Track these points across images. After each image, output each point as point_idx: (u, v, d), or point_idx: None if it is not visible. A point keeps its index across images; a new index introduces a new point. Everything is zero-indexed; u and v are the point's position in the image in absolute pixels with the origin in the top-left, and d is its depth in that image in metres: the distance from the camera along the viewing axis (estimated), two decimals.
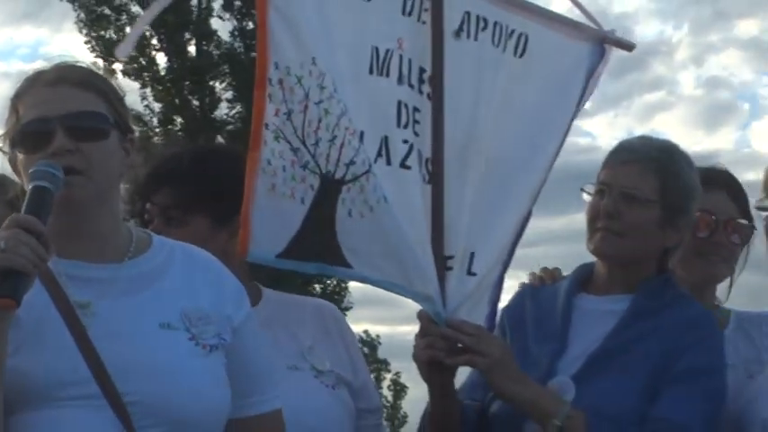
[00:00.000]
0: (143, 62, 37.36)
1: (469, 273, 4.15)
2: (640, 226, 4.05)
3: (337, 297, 35.46)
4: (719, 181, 4.39)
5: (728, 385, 4.08)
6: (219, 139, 32.88)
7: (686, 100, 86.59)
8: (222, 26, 37.29)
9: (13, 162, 3.22)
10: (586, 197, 4.14)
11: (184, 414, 3.12)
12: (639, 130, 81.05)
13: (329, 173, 3.85)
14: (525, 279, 4.51)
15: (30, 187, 3.02)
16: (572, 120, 4.51)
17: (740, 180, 4.55)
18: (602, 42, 4.54)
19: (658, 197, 4.05)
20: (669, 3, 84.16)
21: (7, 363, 2.92)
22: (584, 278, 4.24)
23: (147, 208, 3.93)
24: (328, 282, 31.98)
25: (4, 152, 3.25)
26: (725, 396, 4.01)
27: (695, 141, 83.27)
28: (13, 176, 3.48)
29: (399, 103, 4.05)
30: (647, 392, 3.92)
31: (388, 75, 4.05)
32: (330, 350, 4.05)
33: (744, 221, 4.37)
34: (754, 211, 4.36)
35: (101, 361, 3.02)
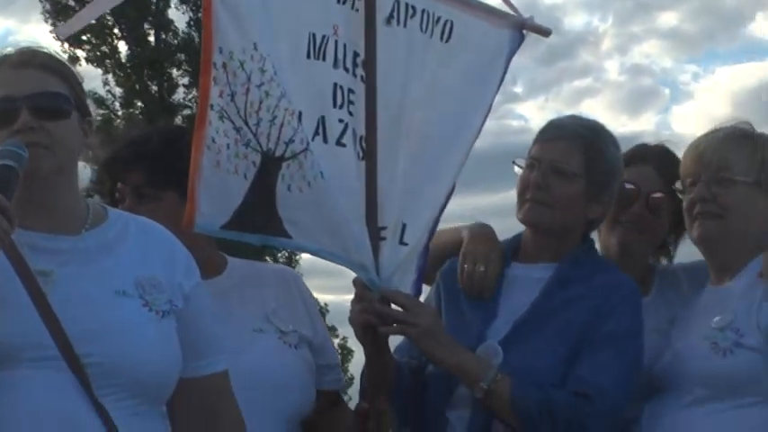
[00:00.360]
0: (106, 50, 37.55)
1: (401, 242, 4.19)
2: (567, 198, 4.11)
3: (290, 262, 35.57)
4: (649, 156, 4.43)
5: (652, 347, 4.14)
6: (177, 121, 32.81)
7: (611, 86, 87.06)
8: (179, 17, 37.60)
9: None
10: (518, 170, 4.18)
11: (138, 374, 3.13)
12: (565, 113, 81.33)
13: (270, 151, 3.88)
14: None
15: None
16: (493, 100, 4.51)
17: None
18: (521, 28, 4.56)
19: (584, 172, 4.11)
20: None
21: None
22: (513, 248, 4.28)
23: (118, 187, 3.93)
24: (279, 254, 31.87)
25: None
26: (642, 359, 4.05)
27: (620, 124, 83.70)
28: None
29: (335, 85, 4.08)
30: (571, 356, 3.97)
31: (324, 59, 4.08)
32: (292, 312, 4.06)
33: (661, 195, 4.37)
34: None
35: (60, 326, 3.04)
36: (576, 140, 4.12)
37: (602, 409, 3.91)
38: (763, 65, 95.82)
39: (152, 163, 3.99)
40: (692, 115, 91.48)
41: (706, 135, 4.15)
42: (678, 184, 4.20)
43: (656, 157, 4.43)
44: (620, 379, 3.95)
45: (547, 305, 4.06)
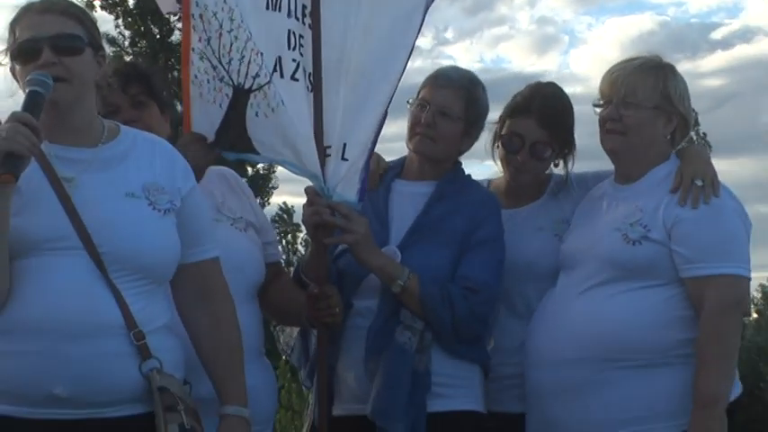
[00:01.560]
0: (114, 1, 36.98)
1: (343, 158, 4.16)
2: (449, 135, 4.17)
3: (267, 178, 35.32)
4: (533, 109, 4.28)
5: (533, 246, 4.25)
6: (174, 59, 32.49)
7: (522, 33, 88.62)
8: None
9: (12, 71, 3.26)
10: (409, 106, 4.25)
11: (144, 260, 3.18)
12: (489, 55, 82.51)
13: (240, 84, 3.95)
14: None
15: (26, 91, 3.09)
16: (414, 42, 4.36)
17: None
18: None
19: (463, 115, 4.17)
20: None
21: (11, 222, 3.00)
22: (398, 167, 4.34)
23: (114, 99, 3.83)
24: (259, 166, 31.48)
25: (3, 64, 3.27)
26: (505, 257, 4.11)
27: (529, 64, 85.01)
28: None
29: (289, 31, 4.09)
30: (455, 258, 4.05)
31: (279, 10, 4.07)
32: (236, 202, 4.06)
33: (545, 143, 4.27)
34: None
35: (81, 221, 3.09)
36: (459, 90, 4.16)
37: (488, 298, 4.03)
38: (643, 17, 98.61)
39: (144, 78, 4.02)
40: (586, 57, 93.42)
41: (621, 63, 4.12)
42: (595, 101, 4.12)
43: (537, 110, 4.26)
44: (496, 273, 4.07)
45: (431, 216, 4.12)
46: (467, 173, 4.38)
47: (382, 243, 4.09)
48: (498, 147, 4.35)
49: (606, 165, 4.29)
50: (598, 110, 4.11)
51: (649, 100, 4.01)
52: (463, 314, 3.94)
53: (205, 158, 3.92)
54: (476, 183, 4.33)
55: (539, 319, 4.07)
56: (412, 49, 4.38)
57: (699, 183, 3.91)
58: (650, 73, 4.06)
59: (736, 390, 3.96)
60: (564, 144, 4.32)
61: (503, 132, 4.32)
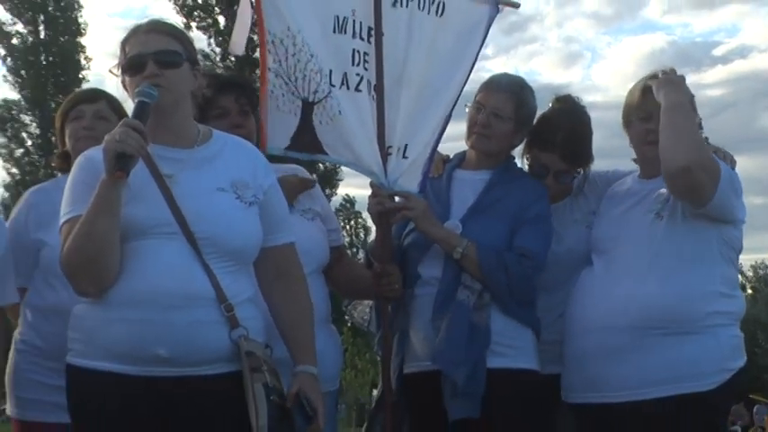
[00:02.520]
0: (210, 22, 37.39)
1: (404, 156, 4.17)
2: (501, 134, 4.15)
3: (334, 172, 35.58)
4: (556, 145, 4.19)
5: (570, 235, 4.21)
6: (257, 72, 32.74)
7: (551, 50, 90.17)
8: None
9: (123, 82, 3.29)
10: (468, 110, 4.22)
11: (232, 245, 3.20)
12: (522, 68, 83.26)
13: (306, 98, 4.00)
14: None
15: (135, 100, 3.15)
16: (476, 59, 4.37)
17: (584, 102, 4.42)
18: (496, 4, 4.42)
19: (513, 116, 4.13)
20: None
21: (122, 210, 3.05)
22: (459, 159, 4.31)
23: (226, 103, 3.91)
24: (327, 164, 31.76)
25: (116, 75, 3.30)
26: (552, 234, 4.10)
27: (557, 76, 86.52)
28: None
29: (353, 50, 4.10)
30: (509, 233, 4.01)
31: (345, 32, 4.09)
32: (305, 196, 4.05)
33: (566, 171, 4.24)
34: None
35: (180, 211, 3.13)
36: (510, 94, 4.13)
37: (537, 265, 3.99)
38: (654, 36, 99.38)
39: (247, 90, 4.07)
40: (605, 71, 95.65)
41: (644, 82, 4.03)
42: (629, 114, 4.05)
43: (560, 146, 4.21)
44: (544, 245, 4.04)
45: (487, 198, 4.09)
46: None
47: (444, 220, 4.08)
48: (526, 164, 4.33)
49: (617, 163, 4.35)
50: (636, 121, 4.03)
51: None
52: (517, 277, 3.94)
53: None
54: (525, 172, 4.29)
55: (581, 293, 4.01)
56: (474, 63, 4.37)
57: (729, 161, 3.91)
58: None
59: (741, 360, 3.94)
60: (583, 164, 4.31)
61: (529, 160, 4.31)
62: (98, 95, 4.17)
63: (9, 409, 4.04)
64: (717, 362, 3.82)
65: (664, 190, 3.91)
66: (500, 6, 4.45)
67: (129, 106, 3.24)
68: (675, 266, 3.85)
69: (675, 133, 3.79)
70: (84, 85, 40.33)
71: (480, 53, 4.41)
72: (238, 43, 4.26)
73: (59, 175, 4.20)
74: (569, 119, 4.31)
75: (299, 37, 3.96)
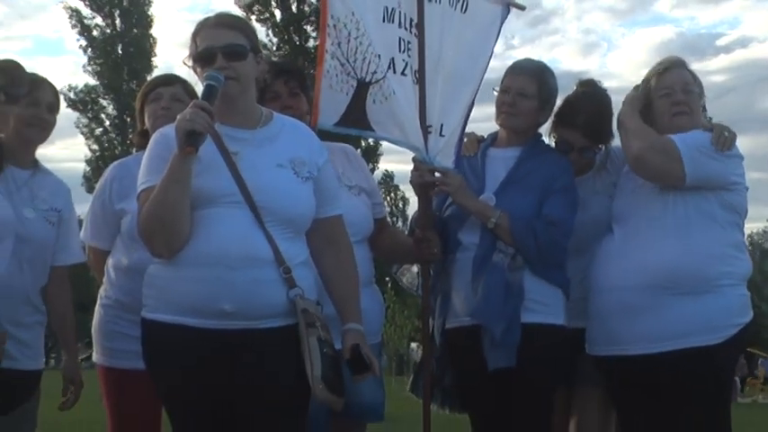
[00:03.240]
0: (267, 15, 37.49)
1: (441, 135, 4.20)
2: (527, 111, 4.12)
3: (375, 148, 35.60)
4: (578, 124, 4.17)
5: (593, 204, 4.16)
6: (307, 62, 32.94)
7: (571, 40, 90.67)
8: None
9: (195, 71, 3.27)
10: (495, 93, 4.19)
11: (289, 214, 3.20)
12: (545, 57, 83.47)
13: (362, 78, 4.01)
14: None
15: (204, 84, 3.15)
16: (493, 48, 4.44)
17: (603, 85, 4.38)
18: (508, 5, 4.48)
19: (537, 95, 4.10)
20: None
21: (193, 182, 3.06)
22: (492, 138, 4.28)
23: (277, 88, 3.89)
24: (370, 140, 31.81)
25: (188, 65, 3.30)
26: (578, 203, 4.07)
27: (576, 64, 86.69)
28: None
29: (399, 38, 4.13)
30: (537, 203, 3.99)
31: (393, 22, 4.12)
32: (352, 172, 4.05)
33: (588, 147, 4.22)
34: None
35: (244, 183, 3.13)
36: (532, 76, 4.12)
37: (565, 231, 3.98)
38: (664, 28, 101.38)
39: (297, 74, 4.03)
40: (620, 59, 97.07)
41: (669, 63, 4.05)
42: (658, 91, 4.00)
43: (581, 125, 4.19)
44: (571, 213, 4.02)
45: (518, 172, 4.07)
46: None
47: (479, 194, 4.07)
48: (552, 142, 4.31)
49: None
50: (658, 97, 4.00)
51: (696, 88, 4.01)
52: (545, 242, 3.92)
53: None
54: (551, 148, 4.26)
55: (603, 257, 4.00)
56: (491, 53, 4.41)
57: (726, 134, 3.86)
58: (688, 69, 4.06)
59: (748, 316, 3.91)
60: (604, 141, 4.27)
61: (555, 138, 4.28)
62: (174, 80, 4.18)
63: (95, 356, 4.08)
64: (726, 318, 3.81)
65: None
66: (510, 8, 4.51)
67: (199, 89, 3.22)
68: (684, 233, 3.83)
69: (622, 132, 3.98)
70: (155, 72, 40.80)
71: (495, 44, 4.48)
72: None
73: (135, 151, 4.21)
74: (591, 101, 4.27)
75: (361, 22, 3.98)
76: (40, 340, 3.92)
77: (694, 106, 4.00)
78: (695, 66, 4.11)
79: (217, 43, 3.22)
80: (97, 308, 4.10)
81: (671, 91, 3.97)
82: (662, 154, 3.81)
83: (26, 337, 3.82)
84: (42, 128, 3.91)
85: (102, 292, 4.10)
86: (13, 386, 3.79)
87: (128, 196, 3.87)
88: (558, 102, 4.28)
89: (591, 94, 4.33)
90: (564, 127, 4.24)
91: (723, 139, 3.85)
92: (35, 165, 3.97)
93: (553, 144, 4.30)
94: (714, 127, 3.92)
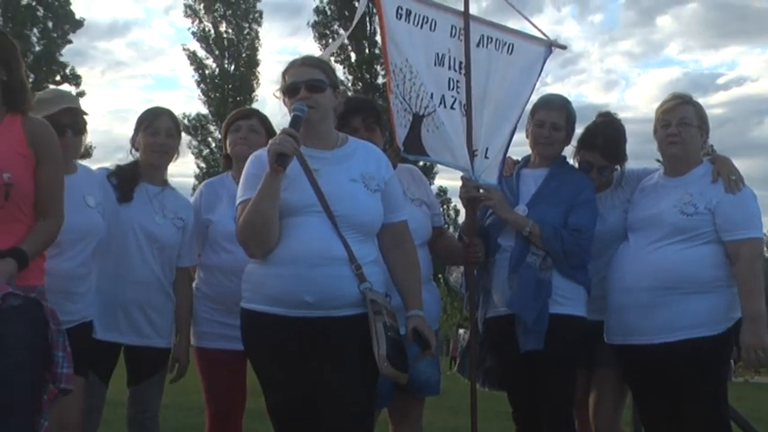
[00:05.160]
0: (343, 57, 37.68)
1: (485, 157, 4.15)
2: (561, 140, 4.08)
3: (431, 168, 35.54)
4: (598, 146, 4.09)
5: (611, 217, 4.08)
6: (378, 95, 32.94)
7: (595, 79, 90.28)
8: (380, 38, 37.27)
9: (284, 102, 3.26)
10: (529, 125, 4.12)
11: (361, 220, 3.17)
12: (573, 92, 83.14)
13: (417, 112, 3.99)
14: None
15: (292, 114, 3.14)
16: (535, 84, 4.36)
17: (619, 116, 4.26)
18: (550, 46, 4.41)
19: (565, 126, 4.06)
20: (587, 30, 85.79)
21: (281, 195, 3.06)
22: (525, 161, 4.21)
23: (355, 123, 3.76)
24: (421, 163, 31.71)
25: (277, 97, 3.28)
26: (597, 215, 4.00)
27: (598, 98, 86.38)
28: None
29: (449, 78, 4.09)
30: (564, 214, 3.92)
31: (443, 65, 4.08)
32: (416, 188, 3.97)
33: (606, 166, 4.12)
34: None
35: (323, 195, 3.12)
36: (561, 110, 4.06)
37: (587, 237, 3.92)
38: (672, 69, 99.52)
39: (371, 110, 3.94)
40: (636, 95, 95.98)
41: (671, 100, 3.97)
42: (656, 124, 3.96)
43: (601, 147, 4.11)
44: (593, 220, 3.96)
45: (547, 188, 4.02)
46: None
47: (514, 206, 4.03)
48: (576, 162, 4.22)
49: (646, 163, 4.29)
50: (659, 128, 3.94)
51: (695, 120, 3.92)
52: (570, 246, 3.86)
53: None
54: (575, 168, 4.18)
55: (621, 261, 3.93)
56: (533, 88, 4.36)
57: (733, 177, 3.83)
58: (691, 104, 3.98)
59: (740, 311, 3.79)
60: (620, 161, 4.19)
61: (579, 159, 4.19)
62: (252, 113, 4.16)
63: (192, 339, 4.08)
64: (723, 313, 3.76)
65: (691, 192, 3.84)
66: (552, 48, 4.44)
67: (285, 120, 3.20)
68: (689, 244, 3.79)
69: (758, 292, 3.80)
70: (255, 104, 41.46)
71: (539, 80, 4.41)
72: (324, 56, 4.27)
73: (224, 172, 4.24)
74: (608, 127, 4.20)
75: (414, 66, 3.96)
76: (170, 324, 3.97)
77: (687, 137, 3.90)
78: (699, 101, 4.02)
79: (301, 78, 3.22)
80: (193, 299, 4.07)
81: (667, 123, 3.91)
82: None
83: (158, 319, 3.89)
84: (163, 152, 3.96)
85: (194, 286, 4.10)
86: (147, 360, 3.89)
87: (213, 209, 3.98)
88: (580, 129, 4.23)
89: (608, 122, 4.24)
90: (586, 149, 4.16)
91: (733, 184, 3.82)
92: (165, 183, 4.04)
93: (577, 165, 4.22)
94: (716, 172, 3.86)
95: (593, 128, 4.22)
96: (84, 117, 3.65)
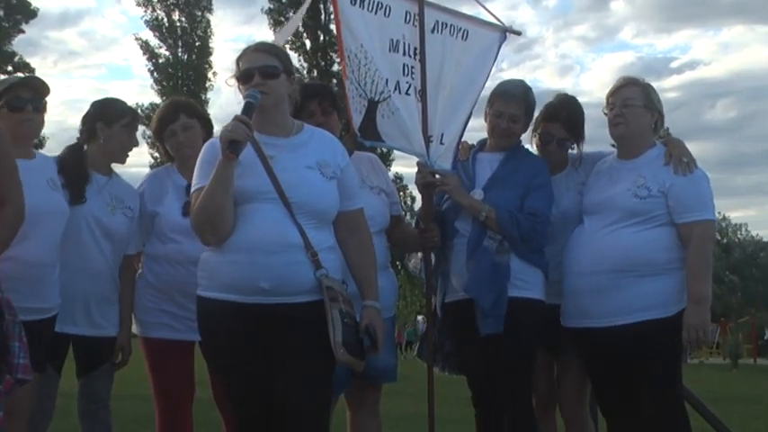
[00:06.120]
0: (299, 44, 37.47)
1: (441, 143, 4.13)
2: (518, 132, 4.09)
3: (388, 155, 35.54)
4: (560, 118, 4.11)
5: (566, 199, 4.10)
6: (334, 82, 32.87)
7: (550, 64, 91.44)
8: (334, 27, 37.27)
9: (239, 89, 3.23)
10: (488, 112, 4.12)
11: (316, 207, 3.17)
12: (528, 78, 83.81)
13: (372, 98, 3.96)
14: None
15: (244, 100, 3.12)
16: (491, 71, 4.37)
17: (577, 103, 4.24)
18: (504, 32, 4.41)
19: (524, 117, 4.07)
20: (541, 15, 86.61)
21: (236, 182, 3.05)
22: (480, 145, 4.22)
23: (312, 107, 3.80)
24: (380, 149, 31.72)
25: (230, 85, 3.26)
26: (553, 197, 4.02)
27: (554, 83, 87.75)
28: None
29: (404, 64, 4.08)
30: (521, 196, 3.94)
31: (398, 51, 4.07)
32: (374, 176, 4.00)
33: (567, 139, 4.14)
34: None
35: (278, 182, 3.11)
36: (521, 102, 4.05)
37: (543, 221, 3.93)
38: (626, 53, 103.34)
39: (328, 94, 3.95)
40: (590, 79, 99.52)
41: (618, 82, 4.02)
42: (604, 108, 3.99)
43: (563, 119, 4.14)
44: (548, 204, 3.98)
45: (502, 171, 4.03)
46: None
47: (470, 190, 4.03)
48: (536, 138, 4.23)
49: (601, 148, 4.30)
50: (607, 111, 3.98)
51: (639, 101, 3.93)
52: (526, 230, 3.88)
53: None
54: (530, 152, 4.20)
55: (576, 244, 3.95)
56: (488, 74, 4.37)
57: (685, 159, 3.86)
58: (637, 85, 4.00)
59: None
60: (579, 137, 4.21)
61: (539, 130, 4.20)
62: (175, 113, 4.07)
63: (135, 328, 4.06)
64: (676, 294, 3.77)
65: (644, 175, 3.86)
66: (507, 34, 4.44)
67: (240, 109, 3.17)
68: (643, 227, 3.81)
69: (706, 276, 3.82)
70: (209, 93, 41.20)
71: (494, 65, 4.41)
72: (278, 41, 4.27)
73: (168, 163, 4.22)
74: (570, 101, 4.24)
75: (369, 53, 3.94)
76: (117, 312, 3.96)
77: (631, 117, 3.92)
78: (653, 84, 4.04)
79: (255, 64, 3.20)
80: (135, 288, 4.04)
81: (613, 106, 3.95)
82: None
83: (109, 309, 3.90)
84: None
85: (137, 275, 4.07)
86: (98, 350, 3.87)
87: (158, 200, 3.98)
88: (540, 107, 4.24)
89: (570, 97, 4.28)
90: (548, 121, 4.16)
91: (684, 165, 3.85)
92: (110, 171, 4.03)
93: (536, 138, 4.22)
94: (668, 154, 3.89)
95: (555, 102, 4.23)
96: (45, 98, 3.60)
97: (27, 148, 3.59)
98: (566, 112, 4.16)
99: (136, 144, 4.01)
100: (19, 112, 3.48)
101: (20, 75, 3.78)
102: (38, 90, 3.59)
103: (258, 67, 3.19)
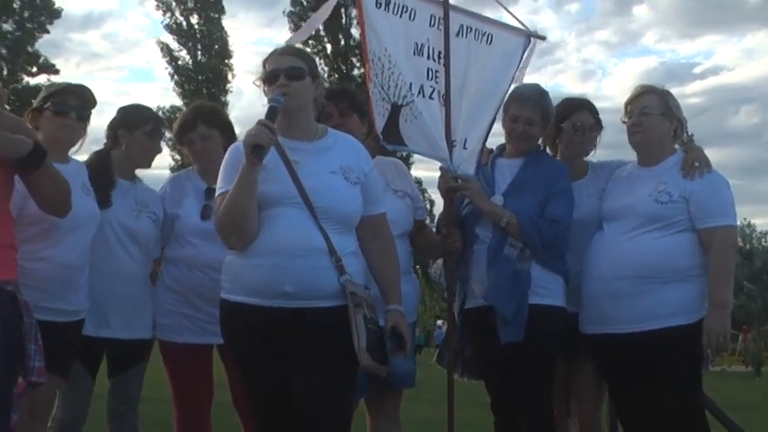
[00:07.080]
0: (320, 48, 37.58)
1: (464, 148, 4.13)
2: (535, 135, 4.06)
3: (408, 158, 35.62)
4: (585, 105, 4.16)
5: (585, 205, 4.05)
6: (353, 86, 32.91)
7: (572, 68, 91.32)
8: (355, 31, 37.27)
9: (264, 91, 3.24)
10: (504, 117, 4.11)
11: (340, 212, 3.16)
12: (550, 83, 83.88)
13: (396, 102, 3.98)
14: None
15: (268, 104, 3.12)
16: (515, 75, 4.35)
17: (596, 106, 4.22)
18: (529, 36, 4.41)
19: (540, 120, 4.02)
20: (564, 19, 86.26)
21: (260, 187, 3.05)
22: (500, 150, 4.19)
23: (329, 109, 3.79)
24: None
25: (257, 85, 3.26)
26: (574, 203, 3.98)
27: (575, 88, 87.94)
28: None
29: (428, 69, 4.07)
30: (540, 204, 3.91)
31: (422, 55, 4.06)
32: (399, 180, 3.99)
33: (596, 125, 4.16)
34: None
35: (303, 187, 3.11)
36: (536, 105, 4.00)
37: (566, 226, 3.90)
38: (649, 58, 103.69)
39: (347, 97, 3.97)
40: (612, 84, 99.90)
41: (636, 90, 4.03)
42: (622, 116, 4.00)
43: (588, 106, 4.17)
44: (570, 210, 3.94)
45: (522, 177, 4.00)
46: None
47: (490, 196, 4.01)
48: (558, 142, 4.21)
49: (621, 155, 4.27)
50: (626, 119, 3.98)
51: (656, 109, 3.93)
52: (548, 236, 3.85)
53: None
54: (550, 157, 4.18)
55: (596, 250, 3.93)
56: (512, 79, 4.36)
57: (696, 164, 3.86)
58: (655, 93, 3.99)
59: None
60: (600, 125, 4.21)
61: (569, 125, 4.15)
62: (194, 121, 4.10)
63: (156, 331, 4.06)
64: (697, 302, 3.76)
65: (665, 181, 3.86)
66: (531, 39, 4.43)
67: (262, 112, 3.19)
68: (664, 232, 3.79)
69: (727, 282, 3.81)
70: (229, 95, 41.45)
71: (519, 70, 4.37)
72: (296, 39, 4.32)
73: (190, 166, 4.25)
74: (582, 98, 4.29)
75: (393, 56, 3.95)
76: (151, 315, 3.96)
77: (648, 125, 3.92)
78: (675, 90, 4.05)
79: (280, 66, 3.22)
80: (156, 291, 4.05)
81: (631, 114, 3.96)
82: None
83: (144, 312, 3.92)
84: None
85: (158, 279, 4.09)
86: (131, 352, 3.89)
87: (179, 203, 4.00)
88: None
89: (578, 97, 4.31)
90: (576, 111, 4.16)
91: (694, 170, 3.85)
92: (134, 176, 4.06)
93: (568, 132, 4.18)
94: (685, 162, 3.89)
95: (571, 98, 4.26)
96: (91, 109, 3.64)
97: (63, 153, 3.62)
98: (587, 103, 4.19)
99: (159, 150, 4.04)
100: (62, 117, 3.52)
101: (71, 82, 3.75)
102: (85, 99, 3.62)
103: (284, 69, 3.20)
